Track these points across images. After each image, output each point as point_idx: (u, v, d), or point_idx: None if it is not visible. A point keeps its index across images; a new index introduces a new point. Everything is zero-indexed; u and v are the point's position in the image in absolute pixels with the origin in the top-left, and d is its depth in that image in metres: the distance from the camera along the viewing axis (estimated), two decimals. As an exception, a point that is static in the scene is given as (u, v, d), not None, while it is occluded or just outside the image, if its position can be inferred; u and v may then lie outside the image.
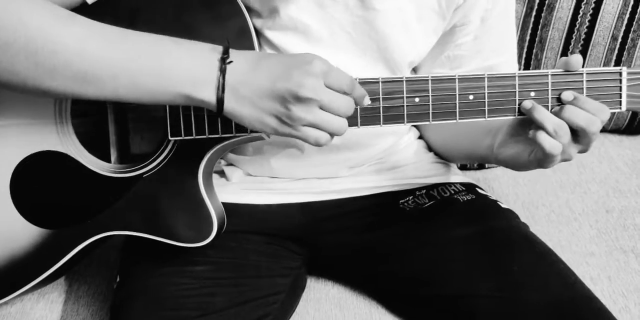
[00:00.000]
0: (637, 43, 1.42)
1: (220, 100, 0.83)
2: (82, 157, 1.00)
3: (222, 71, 0.83)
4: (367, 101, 0.87)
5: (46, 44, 0.83)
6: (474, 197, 1.15)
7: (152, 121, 0.99)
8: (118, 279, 1.08)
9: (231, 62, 0.84)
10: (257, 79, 0.83)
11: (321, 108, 0.82)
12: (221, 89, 0.83)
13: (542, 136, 0.89)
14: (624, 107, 0.93)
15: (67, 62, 0.83)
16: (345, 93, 0.84)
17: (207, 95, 0.84)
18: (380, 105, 0.90)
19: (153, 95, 0.85)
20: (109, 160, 1.01)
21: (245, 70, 0.83)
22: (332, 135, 0.85)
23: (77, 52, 0.83)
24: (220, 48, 0.85)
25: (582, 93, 0.92)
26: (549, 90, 0.91)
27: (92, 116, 1.01)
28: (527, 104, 0.91)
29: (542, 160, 0.92)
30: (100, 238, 1.01)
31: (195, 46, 0.86)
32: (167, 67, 0.84)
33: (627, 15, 1.39)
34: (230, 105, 0.84)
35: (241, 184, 1.14)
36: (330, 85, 0.82)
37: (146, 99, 0.86)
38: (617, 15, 1.39)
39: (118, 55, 0.84)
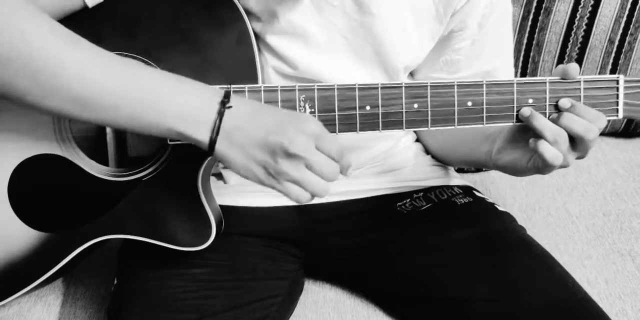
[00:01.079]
0: (634, 46, 1.42)
1: (212, 142, 0.84)
2: (80, 161, 1.00)
3: (220, 114, 0.84)
4: (349, 172, 0.89)
5: (48, 65, 0.83)
6: (471, 200, 1.16)
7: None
8: (115, 282, 1.08)
9: (230, 107, 0.84)
10: (252, 128, 0.84)
11: (307, 168, 0.83)
12: (216, 131, 0.84)
13: (543, 146, 0.90)
14: (620, 115, 0.94)
15: (67, 86, 0.84)
16: (333, 159, 0.85)
17: (201, 135, 0.85)
18: (380, 111, 0.90)
19: (147, 128, 0.86)
20: (107, 164, 1.01)
21: (242, 117, 0.84)
22: (313, 196, 0.86)
23: (78, 78, 0.83)
24: (222, 91, 0.86)
25: (580, 100, 0.93)
26: (547, 98, 0.92)
27: (91, 123, 1.01)
28: (526, 111, 0.92)
29: (542, 168, 0.93)
30: (98, 241, 1.01)
31: (198, 86, 0.87)
32: (165, 103, 0.85)
33: (624, 19, 1.40)
34: (222, 148, 0.84)
35: (239, 187, 1.14)
36: (320, 148, 0.84)
37: (140, 130, 0.87)
38: (614, 19, 1.40)
39: (118, 85, 0.84)
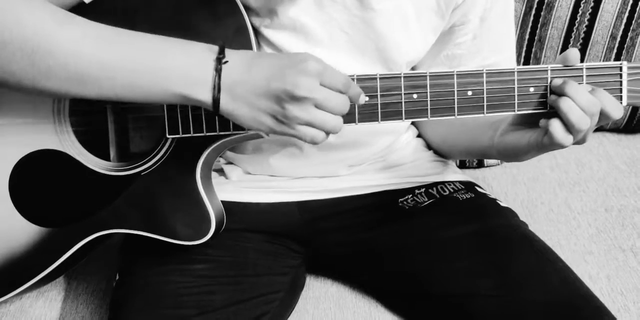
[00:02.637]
0: (636, 42, 1.42)
1: (216, 100, 0.84)
2: (80, 156, 1.00)
3: (218, 71, 0.83)
4: (362, 99, 0.87)
5: (41, 44, 0.83)
6: (473, 195, 1.15)
7: (150, 119, 0.99)
8: (117, 277, 1.08)
9: (226, 62, 0.84)
10: (253, 79, 0.83)
11: (316, 107, 0.83)
12: (217, 88, 0.83)
13: (556, 127, 0.87)
14: (624, 102, 0.92)
15: (63, 63, 0.83)
16: (340, 92, 0.84)
17: (203, 95, 0.84)
18: (379, 101, 0.90)
19: (149, 95, 0.85)
20: (107, 159, 1.01)
21: (240, 70, 0.84)
22: (327, 133, 0.85)
23: (72, 53, 0.83)
24: (215, 48, 0.85)
25: None
26: (549, 86, 0.91)
27: (90, 115, 1.01)
28: (557, 80, 0.90)
29: (546, 146, 0.91)
30: (99, 236, 1.01)
31: (191, 46, 0.86)
32: (162, 67, 0.84)
33: (626, 14, 1.39)
34: (226, 105, 0.84)
35: (240, 183, 1.14)
36: (325, 84, 0.83)
37: (142, 99, 0.86)
38: (616, 14, 1.39)
39: (113, 56, 0.84)
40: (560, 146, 0.89)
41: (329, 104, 0.83)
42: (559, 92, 0.89)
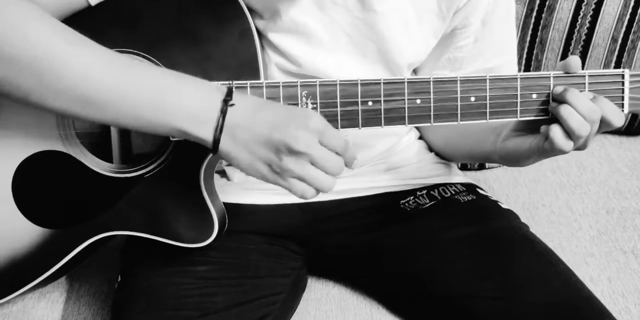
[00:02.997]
0: (637, 44, 1.42)
1: (216, 141, 0.84)
2: (83, 157, 1.01)
3: (223, 113, 0.84)
4: (356, 165, 0.88)
5: (52, 65, 0.83)
6: (474, 197, 1.16)
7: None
8: (119, 279, 1.08)
9: (233, 104, 0.85)
10: (256, 126, 0.84)
11: (312, 163, 0.84)
12: (219, 130, 0.84)
13: (556, 133, 0.89)
14: (626, 110, 0.93)
15: (71, 85, 0.84)
16: (337, 153, 0.85)
17: (205, 134, 0.85)
18: (382, 106, 0.90)
19: (150, 126, 0.86)
20: (110, 161, 1.01)
21: (245, 115, 0.84)
22: (318, 191, 0.86)
23: (82, 77, 0.84)
24: (224, 88, 0.86)
25: None
26: (551, 93, 0.91)
27: (95, 122, 1.01)
28: (559, 88, 0.91)
29: (547, 151, 0.92)
30: (102, 238, 1.01)
31: (200, 84, 0.87)
32: (168, 102, 0.85)
33: (627, 17, 1.40)
34: (226, 146, 0.85)
35: (242, 184, 1.14)
36: (324, 143, 0.84)
37: (145, 129, 0.87)
38: (617, 17, 1.39)
39: (122, 85, 0.85)
40: (561, 152, 0.90)
41: (325, 163, 0.84)
42: (560, 99, 0.90)
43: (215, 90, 0.86)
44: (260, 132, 0.83)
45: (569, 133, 0.89)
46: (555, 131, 0.89)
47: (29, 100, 0.86)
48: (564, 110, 0.88)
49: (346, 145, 0.85)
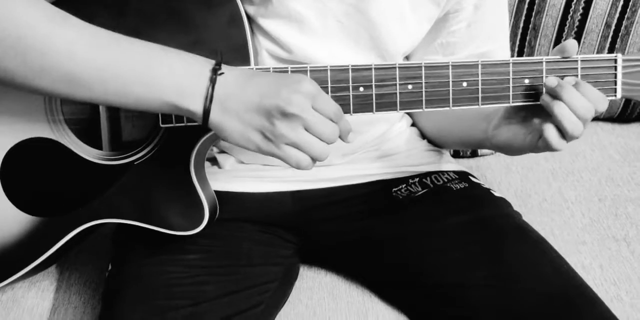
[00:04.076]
0: (631, 30, 1.42)
1: (206, 111, 0.83)
2: (72, 145, 1.00)
3: (213, 82, 0.83)
4: (351, 138, 0.87)
5: (35, 43, 0.82)
6: (467, 185, 1.15)
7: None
8: (110, 268, 1.08)
9: (222, 73, 0.84)
10: (246, 94, 0.83)
11: (306, 129, 0.82)
12: (209, 99, 0.83)
13: (551, 134, 0.88)
14: (619, 95, 0.92)
15: (56, 64, 0.83)
16: (331, 120, 0.84)
17: (195, 105, 0.84)
18: (373, 92, 0.90)
19: (140, 102, 0.85)
20: (99, 148, 1.00)
21: (235, 83, 0.83)
22: (314, 160, 0.84)
23: (66, 55, 0.83)
24: (212, 61, 0.85)
25: None
26: (544, 77, 0.91)
27: (82, 104, 1.00)
28: (552, 81, 0.89)
29: (540, 149, 0.92)
30: (92, 226, 1.01)
31: (188, 56, 0.86)
32: (156, 75, 0.84)
33: (621, 3, 1.39)
34: (216, 116, 0.83)
35: (234, 172, 1.14)
36: (317, 108, 0.83)
37: (133, 106, 0.86)
38: (610, 3, 1.39)
39: (108, 60, 0.84)
40: (555, 150, 0.90)
41: (318, 127, 0.82)
42: (554, 95, 0.89)
43: (203, 61, 0.85)
44: (251, 99, 0.82)
45: (562, 133, 0.88)
46: (550, 133, 0.89)
47: (15, 82, 0.85)
48: (559, 109, 0.87)
49: (340, 112, 0.84)
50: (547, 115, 0.89)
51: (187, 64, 0.85)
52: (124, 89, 0.84)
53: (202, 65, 0.84)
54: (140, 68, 0.84)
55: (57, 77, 0.84)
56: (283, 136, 0.82)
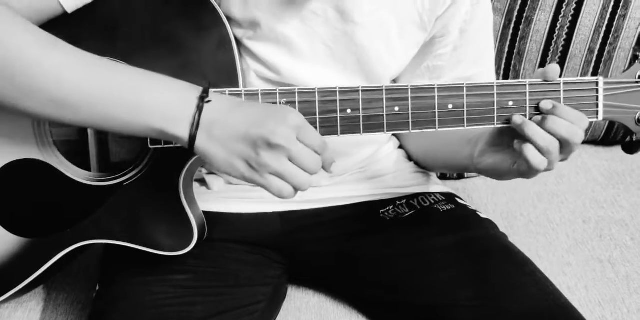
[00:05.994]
0: (614, 55, 1.44)
1: (192, 137, 0.84)
2: (61, 166, 1.00)
3: (199, 109, 0.84)
4: (333, 168, 0.88)
5: (24, 67, 0.83)
6: (453, 207, 1.16)
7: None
8: (98, 288, 1.08)
9: (209, 101, 0.84)
10: (233, 122, 0.84)
11: (290, 160, 0.83)
12: (195, 126, 0.83)
13: (530, 153, 0.89)
14: (600, 117, 0.94)
15: (44, 87, 0.84)
16: (315, 152, 0.85)
17: (181, 131, 0.84)
18: (360, 114, 0.91)
19: (127, 127, 0.86)
20: (88, 169, 1.01)
21: (222, 111, 0.84)
22: (296, 190, 0.85)
23: (54, 79, 0.83)
24: (200, 88, 0.86)
25: (560, 103, 0.92)
26: (527, 100, 0.92)
27: (70, 125, 1.01)
28: (518, 119, 0.91)
29: (525, 172, 0.93)
30: (80, 247, 1.00)
31: (175, 83, 0.87)
32: (143, 101, 0.84)
33: (604, 28, 1.41)
34: (202, 143, 0.84)
35: (222, 193, 1.14)
36: (301, 140, 0.83)
37: (119, 130, 0.86)
38: (593, 28, 1.41)
39: (95, 85, 0.84)
40: (539, 170, 0.91)
41: (302, 158, 0.83)
42: (518, 130, 0.91)
43: (190, 87, 0.86)
44: (238, 128, 0.83)
45: (540, 150, 0.90)
46: (529, 150, 0.90)
47: (4, 104, 0.85)
48: (528, 151, 0.90)
49: (324, 145, 0.85)
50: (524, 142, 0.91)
51: (175, 91, 0.85)
52: (110, 113, 0.85)
53: (189, 91, 0.85)
54: (127, 94, 0.84)
55: (45, 100, 0.84)
56: (267, 166, 0.83)
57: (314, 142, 0.84)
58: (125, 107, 0.84)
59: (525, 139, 0.90)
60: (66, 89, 0.84)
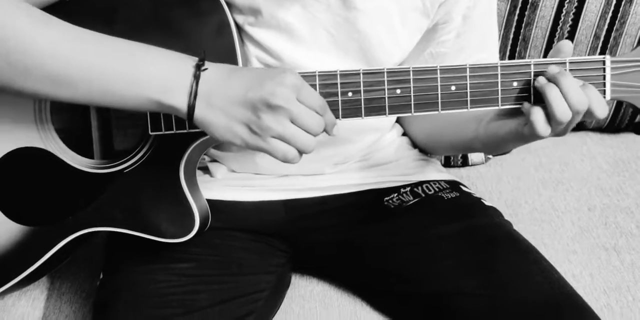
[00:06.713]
0: (620, 41, 1.43)
1: (191, 107, 0.83)
2: (62, 153, 1.00)
3: (196, 77, 0.83)
4: (335, 131, 0.87)
5: (18, 44, 0.83)
6: (458, 194, 1.16)
7: (133, 116, 0.98)
8: (101, 276, 1.08)
9: (206, 69, 0.84)
10: (230, 88, 0.83)
11: (291, 121, 0.83)
12: (193, 95, 0.83)
13: (537, 117, 0.87)
14: (607, 97, 0.92)
15: (40, 64, 0.83)
16: (316, 112, 0.84)
17: (179, 101, 0.84)
18: (362, 97, 0.90)
19: (125, 100, 0.85)
20: (89, 156, 1.00)
21: (219, 78, 0.84)
22: (300, 153, 0.85)
23: (50, 55, 0.83)
24: (195, 58, 0.85)
25: None
26: (532, 80, 0.91)
27: (72, 112, 1.01)
28: (554, 68, 0.89)
29: (525, 137, 0.92)
30: (82, 235, 1.00)
31: (171, 54, 0.86)
32: (140, 73, 0.84)
33: (610, 14, 1.40)
34: (201, 112, 0.84)
35: (225, 181, 1.14)
36: (301, 100, 0.83)
37: (117, 104, 0.86)
38: (599, 14, 1.40)
39: (91, 59, 0.84)
40: (539, 137, 0.89)
41: (304, 119, 0.82)
42: (552, 79, 0.88)
43: (186, 57, 0.85)
44: (236, 93, 0.82)
45: (549, 117, 0.87)
46: (537, 117, 0.88)
47: (1, 83, 0.85)
48: (552, 93, 0.87)
49: (325, 105, 0.85)
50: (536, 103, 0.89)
51: (171, 61, 0.85)
52: (108, 87, 0.84)
53: (185, 62, 0.85)
54: (123, 66, 0.84)
55: (41, 77, 0.84)
56: (269, 129, 0.82)
57: (314, 103, 0.83)
58: (122, 80, 0.84)
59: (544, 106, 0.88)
60: (62, 65, 0.83)
